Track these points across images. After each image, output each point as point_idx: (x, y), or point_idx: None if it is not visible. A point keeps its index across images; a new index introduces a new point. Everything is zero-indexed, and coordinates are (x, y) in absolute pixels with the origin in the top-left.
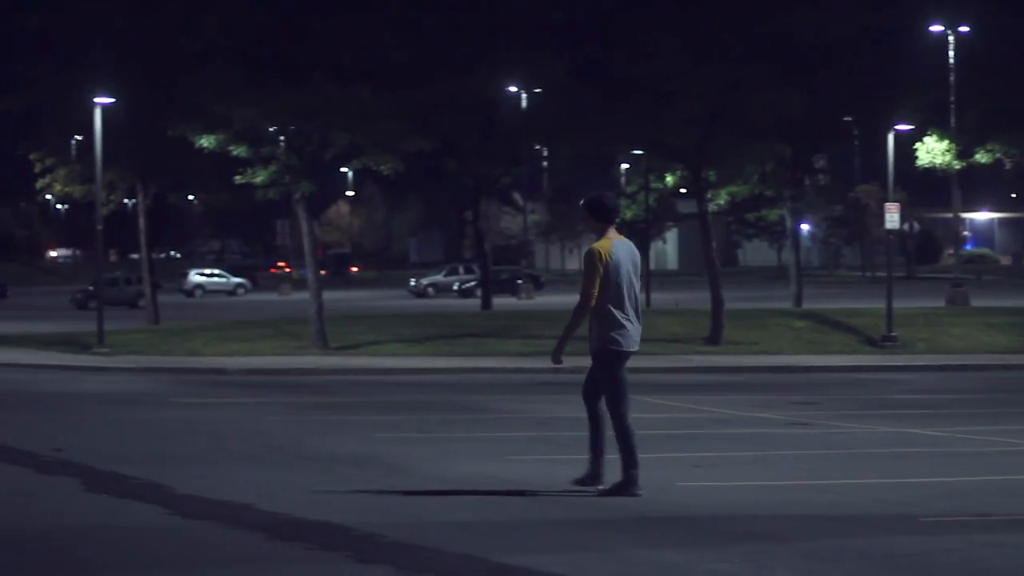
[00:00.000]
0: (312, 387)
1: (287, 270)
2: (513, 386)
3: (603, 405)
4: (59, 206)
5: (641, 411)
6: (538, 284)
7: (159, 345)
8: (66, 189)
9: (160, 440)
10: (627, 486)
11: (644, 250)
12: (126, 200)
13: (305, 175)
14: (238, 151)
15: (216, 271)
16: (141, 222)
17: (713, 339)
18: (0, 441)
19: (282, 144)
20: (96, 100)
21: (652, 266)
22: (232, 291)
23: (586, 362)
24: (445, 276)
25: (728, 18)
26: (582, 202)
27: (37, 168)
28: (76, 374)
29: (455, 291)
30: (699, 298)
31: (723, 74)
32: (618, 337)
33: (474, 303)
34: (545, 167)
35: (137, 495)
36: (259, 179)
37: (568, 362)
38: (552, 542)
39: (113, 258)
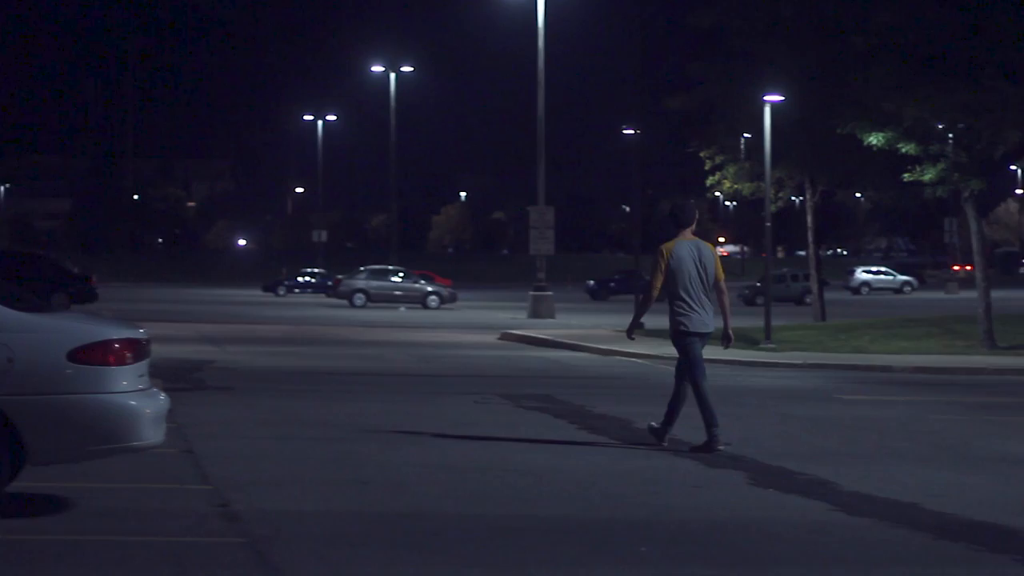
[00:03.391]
0: (980, 387)
1: (966, 268)
2: None
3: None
4: (728, 203)
5: None
6: None
7: (825, 342)
8: (735, 186)
9: (825, 436)
10: (711, 444)
11: None
12: (794, 197)
13: (974, 173)
14: (906, 148)
15: (882, 268)
16: (809, 219)
17: None
18: (670, 434)
19: (951, 141)
20: (765, 97)
21: None
22: (898, 289)
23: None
24: None
25: None
26: (671, 209)
27: (707, 166)
28: (742, 369)
29: None
30: None
31: None
32: (682, 321)
33: None
34: None
35: (802, 491)
36: (927, 177)
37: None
38: None
39: (780, 255)
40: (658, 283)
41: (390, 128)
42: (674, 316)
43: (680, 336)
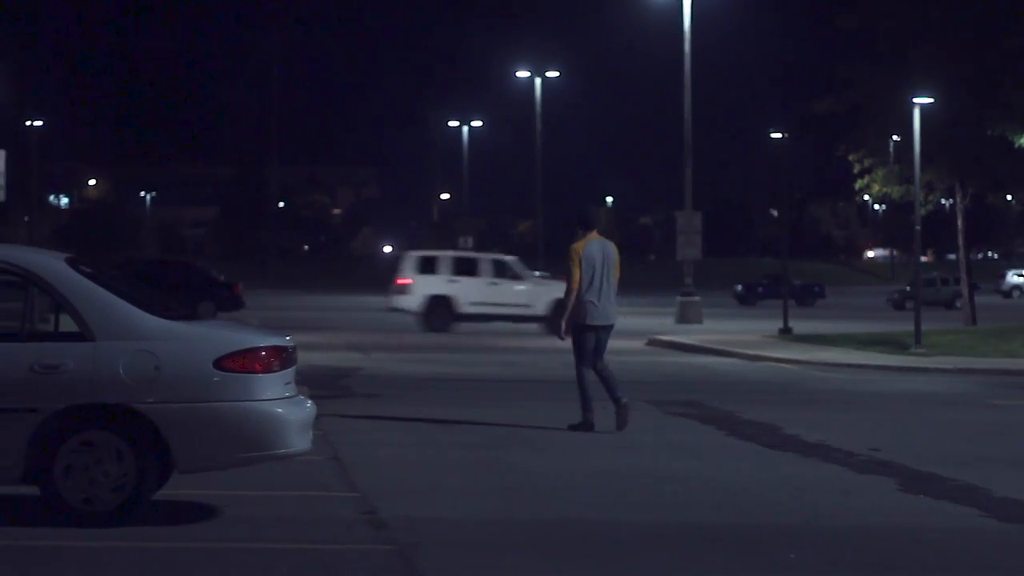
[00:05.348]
0: None
1: None
2: None
3: (605, 365)
4: (876, 206)
5: None
6: None
7: (976, 346)
8: (884, 189)
9: (976, 442)
10: (588, 424)
11: None
12: (943, 200)
13: None
14: None
15: None
16: (959, 222)
17: None
18: (819, 440)
19: None
20: (914, 99)
21: None
22: None
23: None
24: None
25: None
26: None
27: (856, 169)
28: (892, 374)
29: None
30: None
31: None
32: (585, 314)
33: None
34: None
35: (952, 496)
36: None
37: None
38: None
39: (929, 258)
40: (578, 278)
41: (535, 133)
42: (580, 309)
43: (580, 328)
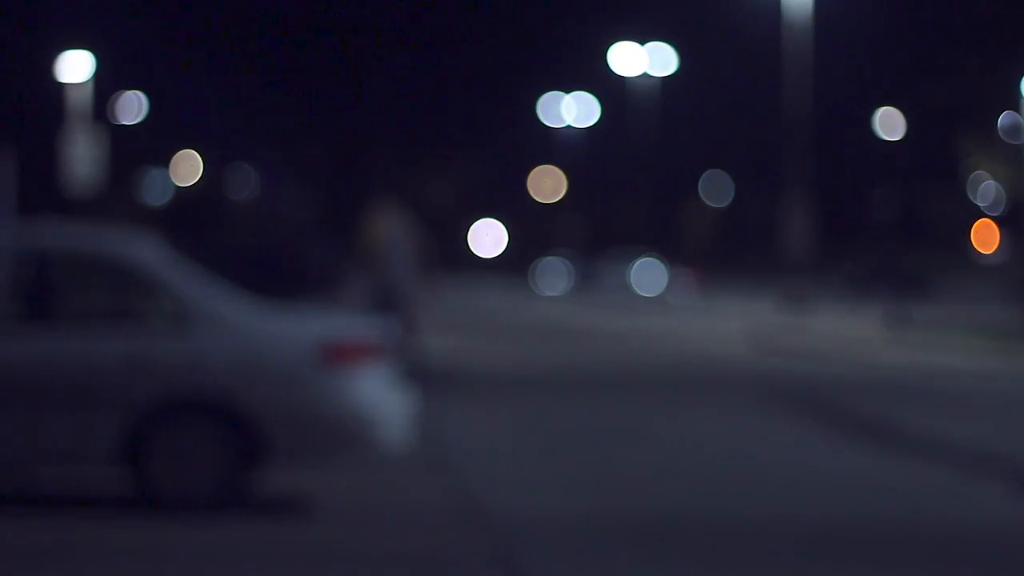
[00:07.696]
0: None
1: None
2: None
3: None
4: (992, 193)
5: None
6: None
7: None
8: (1000, 176)
9: None
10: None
11: None
12: None
13: None
14: None
15: None
16: None
17: None
18: (934, 438)
19: None
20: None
21: None
22: None
23: None
24: None
25: None
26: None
27: (970, 155)
28: (1010, 369)
29: None
30: None
31: None
32: (388, 292)
33: None
34: None
35: None
36: None
37: None
38: None
39: None
40: (382, 260)
41: (642, 116)
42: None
43: (382, 306)
